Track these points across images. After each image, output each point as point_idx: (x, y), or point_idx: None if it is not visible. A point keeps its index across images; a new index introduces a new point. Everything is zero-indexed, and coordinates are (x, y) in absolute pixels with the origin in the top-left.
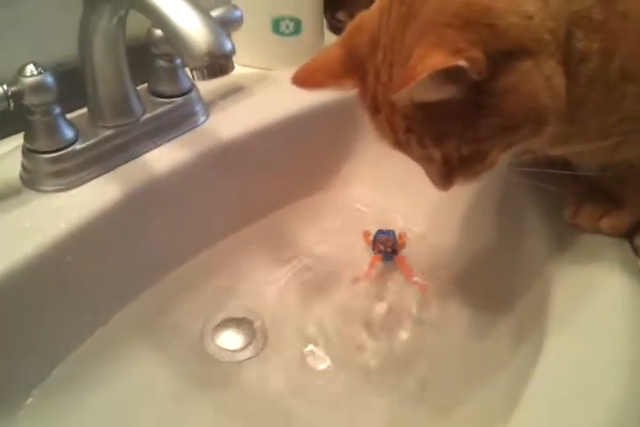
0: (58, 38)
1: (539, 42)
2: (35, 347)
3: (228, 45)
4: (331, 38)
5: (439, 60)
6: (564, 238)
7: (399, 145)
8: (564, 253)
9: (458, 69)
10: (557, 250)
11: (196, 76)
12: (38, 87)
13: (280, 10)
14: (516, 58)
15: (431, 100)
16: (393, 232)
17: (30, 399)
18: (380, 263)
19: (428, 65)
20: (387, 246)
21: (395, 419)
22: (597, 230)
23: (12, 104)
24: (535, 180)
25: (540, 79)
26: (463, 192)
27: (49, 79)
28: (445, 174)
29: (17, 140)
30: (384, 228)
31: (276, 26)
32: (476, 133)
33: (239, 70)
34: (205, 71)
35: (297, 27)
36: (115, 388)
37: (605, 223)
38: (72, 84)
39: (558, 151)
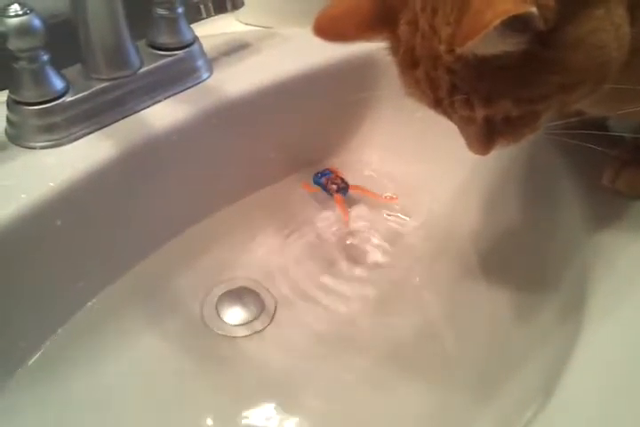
0: None
1: None
2: (20, 318)
3: None
4: None
5: (509, 5)
6: (602, 206)
7: (438, 104)
8: (602, 223)
9: (527, 17)
10: (595, 219)
11: (203, 11)
12: (24, 29)
13: None
14: (588, 4)
15: (493, 52)
16: (328, 170)
17: (20, 370)
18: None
19: (500, 11)
20: (338, 182)
21: (429, 399)
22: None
23: None
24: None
25: (611, 29)
26: (487, 160)
27: (36, 21)
28: (486, 137)
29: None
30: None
31: None
32: (533, 92)
33: (244, 28)
34: (212, 6)
35: None
36: (107, 364)
37: None
38: (64, 38)
39: (603, 111)
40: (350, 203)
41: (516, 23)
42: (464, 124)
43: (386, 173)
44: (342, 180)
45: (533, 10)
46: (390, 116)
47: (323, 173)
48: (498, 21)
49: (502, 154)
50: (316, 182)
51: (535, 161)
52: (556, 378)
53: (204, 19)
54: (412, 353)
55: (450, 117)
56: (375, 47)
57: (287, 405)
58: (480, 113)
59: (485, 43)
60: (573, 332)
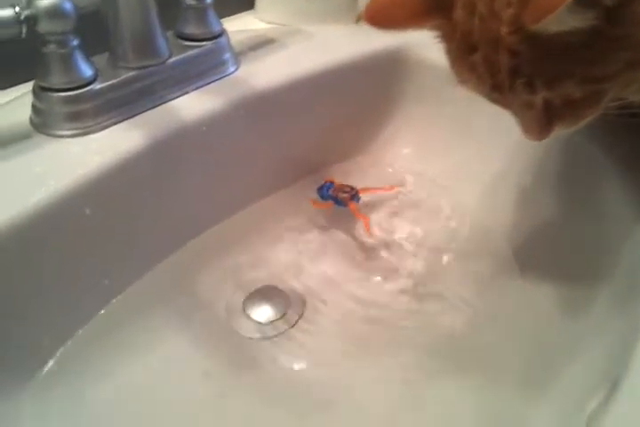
0: None
1: None
2: (44, 312)
3: None
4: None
5: None
6: None
7: (498, 89)
8: None
9: None
10: None
11: None
12: (55, 12)
13: None
14: None
15: (564, 29)
16: (328, 182)
17: (47, 368)
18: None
19: None
20: (347, 189)
21: (482, 397)
22: None
23: (24, 30)
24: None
25: None
26: (520, 153)
27: (67, 3)
28: (544, 122)
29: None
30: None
31: None
32: (600, 71)
33: (267, 26)
34: None
35: None
36: (131, 365)
37: None
38: (91, 28)
39: None
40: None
41: None
42: (522, 110)
43: (415, 170)
44: (348, 186)
45: None
46: (418, 113)
47: (325, 186)
48: None
49: (537, 145)
50: (325, 196)
51: (571, 151)
52: (621, 366)
53: (226, 16)
54: (456, 352)
55: (507, 103)
56: (402, 42)
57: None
58: (542, 96)
59: (558, 19)
60: (633, 320)
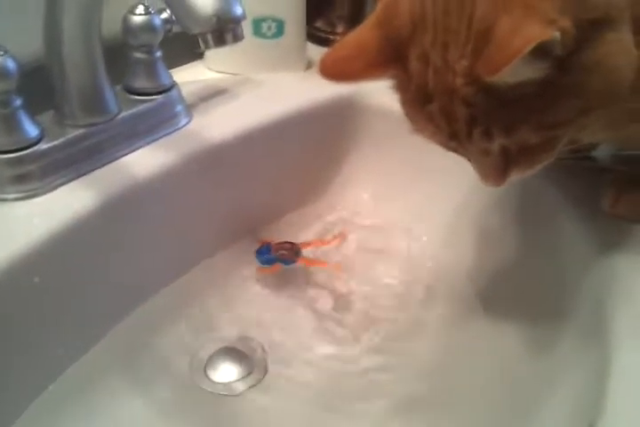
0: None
1: (620, 10)
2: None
3: (239, 9)
4: (311, 47)
5: (536, 31)
6: (605, 231)
7: (456, 138)
8: (609, 247)
9: (550, 42)
10: (601, 244)
11: (201, 44)
12: None
13: (261, 9)
14: (601, 28)
15: (518, 80)
16: (265, 244)
17: None
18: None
19: (529, 37)
20: (288, 247)
21: None
22: None
23: None
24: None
25: (624, 51)
26: (476, 192)
27: (10, 62)
28: (501, 168)
29: None
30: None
31: (257, 27)
32: (553, 118)
33: (217, 76)
34: (211, 38)
35: (279, 28)
36: None
37: None
38: (34, 84)
39: (602, 136)
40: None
41: (538, 49)
42: (479, 157)
43: (371, 214)
44: (287, 242)
45: (557, 35)
46: (372, 157)
47: (263, 249)
48: (530, 47)
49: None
50: (267, 260)
51: (528, 191)
52: (595, 406)
53: (175, 66)
54: (422, 402)
55: (464, 151)
56: (353, 89)
57: None
58: (499, 143)
59: (513, 71)
60: (600, 358)
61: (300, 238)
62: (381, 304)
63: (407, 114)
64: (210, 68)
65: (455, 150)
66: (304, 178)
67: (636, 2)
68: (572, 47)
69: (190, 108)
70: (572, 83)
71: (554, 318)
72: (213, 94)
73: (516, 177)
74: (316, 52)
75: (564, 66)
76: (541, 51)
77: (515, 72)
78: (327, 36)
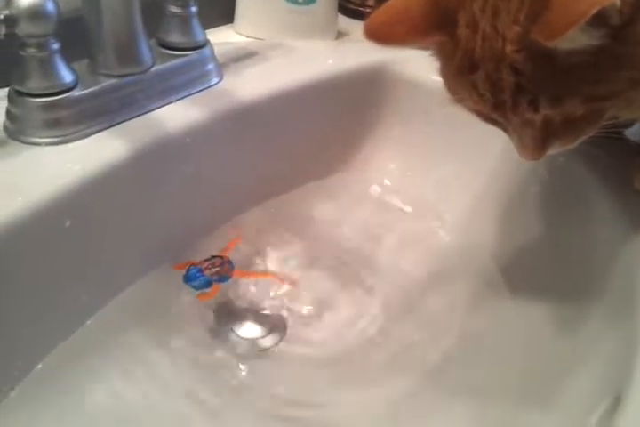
0: None
1: None
2: (18, 330)
3: None
4: (341, 18)
5: None
6: (635, 211)
7: (499, 108)
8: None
9: (609, 9)
10: (632, 222)
11: None
12: (36, 13)
13: None
14: None
15: (574, 47)
16: (191, 267)
17: (12, 394)
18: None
19: (592, 2)
20: (218, 264)
21: (480, 418)
22: None
23: (2, 32)
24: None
25: None
26: (503, 169)
27: (50, 6)
28: (541, 141)
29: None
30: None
31: None
32: (604, 90)
33: (246, 40)
34: None
35: None
36: (115, 385)
37: None
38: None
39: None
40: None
41: (597, 16)
42: (520, 128)
43: (395, 186)
44: (215, 258)
45: (617, 2)
46: (398, 128)
47: (192, 273)
48: (594, 11)
49: (519, 161)
50: (200, 283)
51: (557, 169)
52: (622, 380)
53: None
54: (450, 374)
55: (506, 122)
56: (382, 59)
57: None
58: (544, 114)
59: (570, 37)
60: (628, 334)
61: (320, 210)
62: (404, 280)
63: (448, 83)
64: (239, 33)
65: (495, 122)
66: (329, 146)
67: None
68: (628, 17)
69: (221, 68)
70: (625, 54)
71: (582, 296)
72: (244, 57)
73: (554, 151)
74: (346, 23)
75: (619, 36)
76: (599, 18)
77: (572, 38)
78: (357, 8)
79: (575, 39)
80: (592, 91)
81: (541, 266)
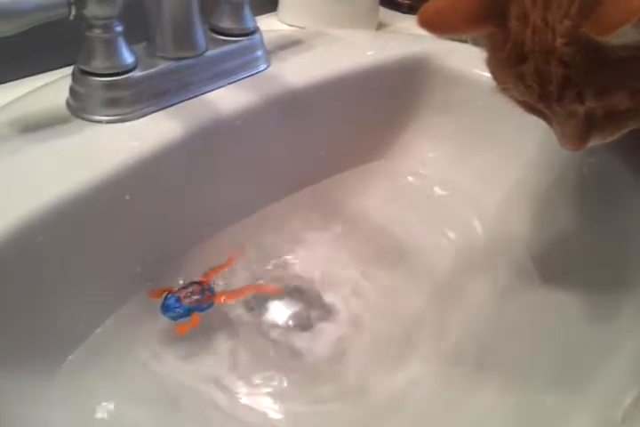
0: None
1: None
2: (78, 294)
3: None
4: (382, 10)
5: None
6: None
7: (544, 99)
8: None
9: None
10: None
11: None
12: None
13: None
14: None
15: (625, 42)
16: (168, 293)
17: (71, 357)
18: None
19: None
20: (197, 291)
21: (515, 399)
22: None
23: (72, 13)
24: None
25: None
26: (538, 166)
27: None
28: (584, 132)
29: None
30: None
31: None
32: None
33: (290, 28)
34: None
35: None
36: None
37: None
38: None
39: None
40: None
41: None
42: (564, 120)
43: (432, 175)
44: (193, 284)
45: None
46: (437, 119)
47: (170, 302)
48: None
49: (560, 155)
50: (183, 312)
51: (591, 162)
52: None
53: None
54: (484, 360)
55: (550, 113)
56: (424, 50)
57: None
58: (589, 106)
59: (623, 32)
60: None
61: (357, 197)
62: (438, 267)
63: (495, 73)
64: (282, 21)
65: (538, 112)
66: (368, 134)
67: None
68: None
69: (268, 55)
70: None
71: (614, 287)
72: (289, 44)
73: (594, 142)
74: (386, 14)
75: None
76: None
77: (624, 34)
78: (398, 0)
79: (626, 34)
80: (635, 85)
81: (575, 257)
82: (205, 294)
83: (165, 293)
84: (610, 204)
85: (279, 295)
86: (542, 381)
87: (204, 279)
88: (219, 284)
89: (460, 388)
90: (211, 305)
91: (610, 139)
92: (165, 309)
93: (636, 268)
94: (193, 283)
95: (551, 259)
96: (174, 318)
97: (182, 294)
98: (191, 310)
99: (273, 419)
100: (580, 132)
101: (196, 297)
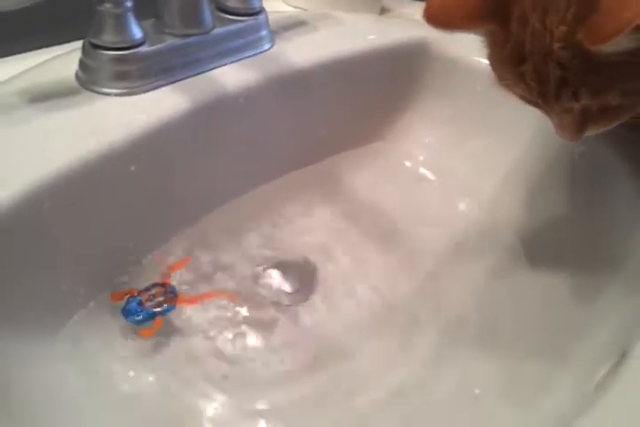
0: None
1: None
2: (84, 261)
3: None
4: None
5: None
6: None
7: (542, 96)
8: None
9: None
10: None
11: None
12: None
13: None
14: None
15: (617, 50)
16: (130, 296)
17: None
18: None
19: (637, 11)
20: (159, 294)
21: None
22: None
23: None
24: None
25: None
26: (532, 152)
27: None
28: (580, 125)
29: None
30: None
31: None
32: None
33: (294, 10)
34: None
35: None
36: None
37: None
38: None
39: None
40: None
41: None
42: (561, 114)
43: (428, 159)
44: (154, 286)
45: None
46: (435, 104)
47: (131, 306)
48: (638, 22)
49: (552, 141)
50: (146, 317)
51: (583, 150)
52: (631, 340)
53: None
54: (471, 332)
55: (548, 108)
56: (424, 35)
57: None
58: (584, 104)
59: (616, 42)
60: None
61: (354, 177)
62: (427, 251)
63: (496, 69)
64: (287, 3)
65: (538, 105)
66: (367, 117)
67: None
68: None
69: (273, 35)
70: None
71: (599, 270)
72: (293, 25)
73: (590, 133)
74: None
75: None
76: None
77: (616, 43)
78: None
79: (619, 44)
80: (630, 86)
81: (563, 242)
82: (168, 296)
83: (127, 296)
84: (598, 190)
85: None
86: (526, 353)
87: (166, 281)
88: (182, 287)
89: (450, 357)
90: (173, 308)
91: (603, 129)
92: (127, 313)
93: (618, 254)
94: (155, 285)
95: (541, 243)
96: (137, 323)
97: (144, 298)
98: (154, 314)
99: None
100: (576, 124)
101: (158, 300)
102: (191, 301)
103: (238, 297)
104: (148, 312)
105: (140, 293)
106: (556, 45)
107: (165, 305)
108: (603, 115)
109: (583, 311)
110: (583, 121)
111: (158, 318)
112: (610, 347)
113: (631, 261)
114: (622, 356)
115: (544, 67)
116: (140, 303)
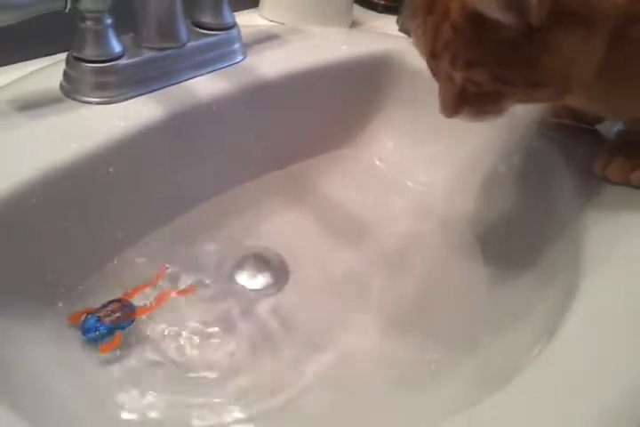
0: None
1: (606, 18)
2: (63, 257)
3: None
4: (356, 8)
5: None
6: (593, 191)
7: (432, 55)
8: (593, 204)
9: (527, 2)
10: (587, 202)
11: None
12: None
13: None
14: (578, 22)
15: (488, 14)
16: (88, 313)
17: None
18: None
19: None
20: (116, 308)
21: (438, 347)
22: (627, 182)
23: (68, 6)
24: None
25: (588, 50)
26: (486, 152)
27: None
28: (457, 102)
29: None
30: None
31: None
32: (505, 74)
33: (269, 24)
34: None
35: None
36: None
37: (636, 176)
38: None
39: (592, 107)
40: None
41: (518, 4)
42: (445, 82)
43: (393, 161)
44: (109, 302)
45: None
46: (399, 112)
47: (90, 323)
48: None
49: (501, 145)
50: (105, 333)
51: (533, 150)
52: (558, 322)
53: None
54: (416, 313)
55: (437, 70)
56: (389, 48)
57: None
58: (461, 75)
59: (488, 5)
60: (565, 289)
61: (325, 180)
62: (388, 242)
63: (413, 22)
64: (263, 17)
65: (433, 72)
66: (337, 124)
67: (621, 15)
68: (543, 22)
69: (246, 48)
70: (531, 54)
71: (538, 260)
72: (266, 38)
73: (465, 118)
74: (361, 13)
75: (532, 36)
76: (518, 7)
77: (489, 4)
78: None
79: (492, 9)
80: (498, 72)
81: (509, 235)
82: (125, 311)
83: (85, 314)
84: (540, 189)
85: (193, 293)
86: (462, 333)
87: (123, 297)
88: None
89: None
90: (131, 322)
91: (477, 120)
92: (86, 330)
93: (554, 246)
94: (112, 301)
95: (490, 236)
96: (96, 339)
97: (102, 313)
98: (113, 328)
99: None
100: (454, 100)
101: (116, 315)
102: (148, 309)
103: (193, 287)
104: (107, 327)
105: (97, 309)
106: (454, 6)
107: (123, 320)
108: (476, 100)
109: (518, 298)
110: (461, 100)
111: (117, 334)
112: (541, 330)
113: (562, 255)
114: (550, 334)
115: (441, 23)
116: (99, 319)
